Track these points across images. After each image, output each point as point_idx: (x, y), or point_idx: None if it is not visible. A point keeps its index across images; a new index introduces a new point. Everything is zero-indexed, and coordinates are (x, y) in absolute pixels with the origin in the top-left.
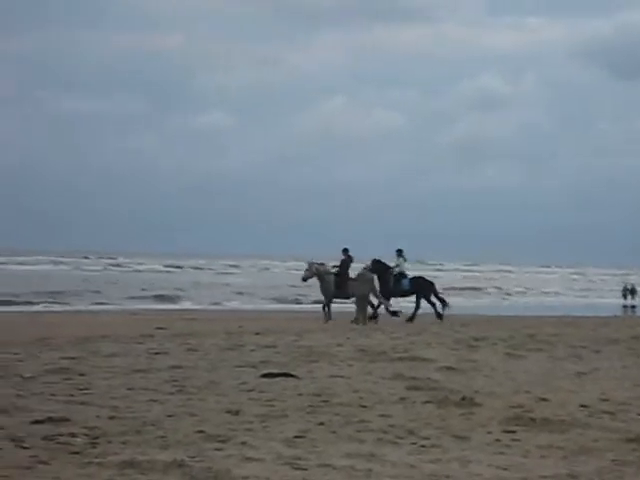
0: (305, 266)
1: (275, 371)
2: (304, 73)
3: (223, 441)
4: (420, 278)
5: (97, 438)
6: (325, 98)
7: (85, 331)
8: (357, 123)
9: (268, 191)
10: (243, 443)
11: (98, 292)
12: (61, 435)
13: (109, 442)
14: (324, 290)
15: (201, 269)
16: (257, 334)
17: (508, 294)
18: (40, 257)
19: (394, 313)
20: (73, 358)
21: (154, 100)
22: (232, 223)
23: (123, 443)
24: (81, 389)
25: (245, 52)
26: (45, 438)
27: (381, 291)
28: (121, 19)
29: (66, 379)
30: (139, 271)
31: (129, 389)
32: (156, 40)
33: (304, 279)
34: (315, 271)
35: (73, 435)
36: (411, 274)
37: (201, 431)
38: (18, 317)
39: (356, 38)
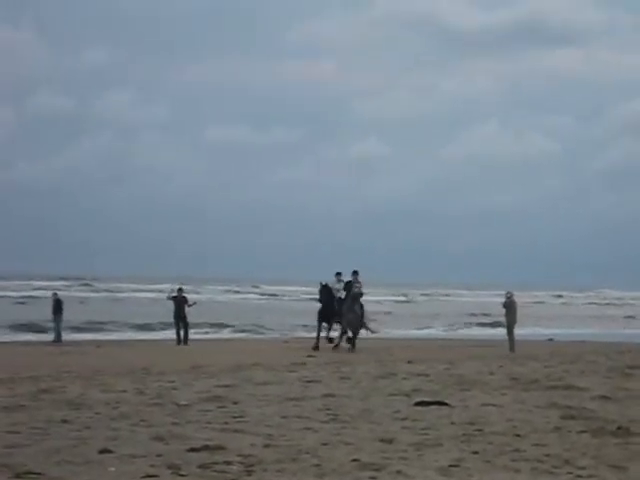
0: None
1: (428, 399)
2: (457, 100)
3: (378, 469)
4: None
5: (252, 466)
6: (479, 124)
7: (237, 359)
8: (510, 149)
9: (425, 219)
10: (398, 472)
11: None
12: (217, 463)
13: (265, 470)
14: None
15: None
16: (409, 362)
17: None
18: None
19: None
20: (227, 386)
21: (309, 129)
22: (394, 250)
23: (279, 471)
24: (235, 417)
25: (398, 80)
26: (201, 466)
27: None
28: (274, 49)
29: (220, 407)
30: (299, 300)
31: (283, 417)
32: (310, 69)
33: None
34: None
35: (229, 463)
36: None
37: (356, 459)
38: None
39: (508, 64)
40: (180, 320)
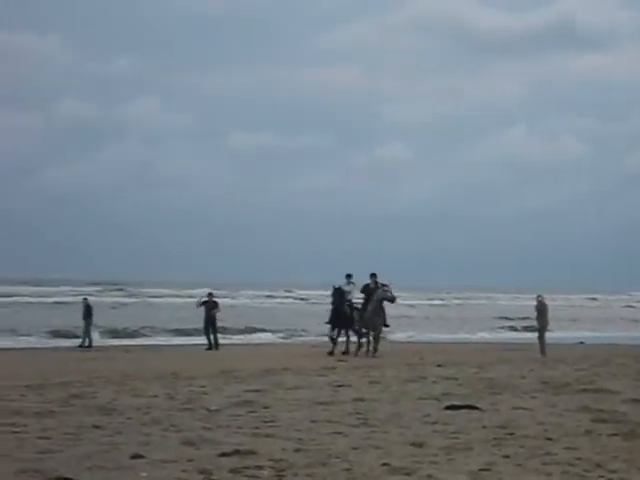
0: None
1: (458, 403)
2: (482, 104)
3: (408, 474)
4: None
5: (283, 470)
6: (504, 128)
7: (267, 364)
8: (537, 152)
9: (453, 222)
10: (429, 476)
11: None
12: (248, 468)
13: (295, 474)
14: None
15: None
16: (439, 366)
17: None
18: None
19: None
20: (257, 390)
21: (335, 135)
22: (422, 254)
23: (309, 475)
24: (266, 421)
25: (424, 84)
26: (232, 471)
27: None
28: (299, 55)
29: (251, 412)
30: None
31: (313, 421)
32: (335, 75)
33: None
34: None
35: (260, 468)
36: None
37: (386, 464)
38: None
39: (533, 67)
40: (210, 325)
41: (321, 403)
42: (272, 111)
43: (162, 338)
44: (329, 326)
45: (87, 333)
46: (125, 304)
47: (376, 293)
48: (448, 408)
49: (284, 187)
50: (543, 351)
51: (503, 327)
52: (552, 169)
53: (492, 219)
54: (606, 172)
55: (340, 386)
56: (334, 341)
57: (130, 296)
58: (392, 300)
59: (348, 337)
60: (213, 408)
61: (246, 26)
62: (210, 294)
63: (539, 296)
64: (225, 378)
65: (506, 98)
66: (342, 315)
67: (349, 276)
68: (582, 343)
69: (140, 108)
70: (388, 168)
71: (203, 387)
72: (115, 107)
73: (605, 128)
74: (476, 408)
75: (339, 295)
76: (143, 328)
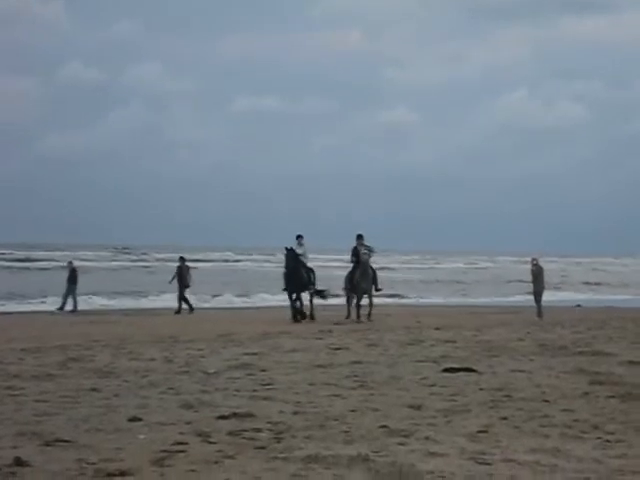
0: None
1: (456, 366)
2: (488, 68)
3: (406, 436)
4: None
5: (281, 433)
6: (509, 92)
7: (264, 327)
8: (541, 116)
9: (454, 187)
10: (426, 438)
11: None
12: (246, 430)
13: (293, 437)
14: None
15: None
16: (436, 329)
17: None
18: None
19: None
20: (255, 354)
21: (341, 99)
22: (422, 220)
23: (307, 438)
24: (264, 384)
25: (427, 49)
26: (231, 433)
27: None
28: (298, 20)
29: (249, 374)
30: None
31: (311, 384)
32: (336, 39)
33: None
34: None
35: (258, 430)
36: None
37: (384, 426)
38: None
39: (538, 31)
40: (184, 290)
41: (319, 366)
42: (277, 76)
43: (161, 301)
44: (286, 292)
45: (72, 297)
46: (129, 268)
47: (361, 256)
48: (446, 371)
49: (288, 151)
50: (540, 314)
51: (504, 292)
52: (554, 132)
53: (495, 183)
54: (608, 135)
55: (338, 349)
56: (295, 307)
57: (137, 260)
58: (367, 263)
59: (303, 301)
60: (211, 371)
61: None
62: (182, 258)
63: (534, 260)
64: (223, 342)
65: (510, 62)
66: (298, 278)
67: (299, 237)
68: (579, 306)
69: (143, 73)
70: (392, 132)
71: (201, 350)
72: (117, 72)
73: (608, 92)
74: (474, 371)
75: (292, 257)
76: (142, 291)
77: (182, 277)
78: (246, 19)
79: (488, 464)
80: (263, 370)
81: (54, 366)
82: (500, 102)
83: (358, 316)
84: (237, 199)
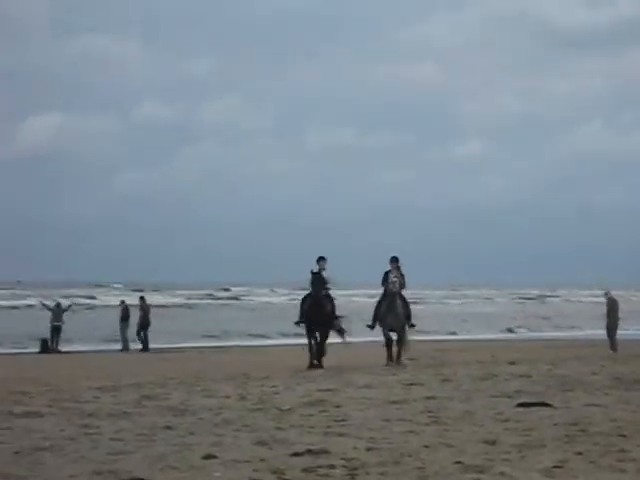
0: None
1: (531, 400)
2: (562, 100)
3: (481, 471)
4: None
5: (356, 469)
6: (583, 124)
7: (336, 362)
8: (616, 147)
9: (533, 218)
10: (501, 473)
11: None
12: (320, 467)
13: (367, 473)
14: None
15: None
16: (511, 363)
17: None
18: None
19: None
20: (328, 390)
21: (414, 132)
22: (494, 254)
23: (381, 474)
24: (338, 420)
25: (501, 81)
26: (305, 470)
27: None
28: (378, 52)
29: (322, 411)
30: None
31: (385, 420)
32: (410, 70)
33: None
34: None
35: (332, 467)
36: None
37: (458, 462)
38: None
39: (611, 63)
40: (144, 328)
41: (393, 402)
42: (345, 106)
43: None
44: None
45: (123, 335)
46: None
47: (389, 284)
48: (520, 405)
49: (363, 184)
50: (614, 347)
51: (573, 326)
52: (631, 163)
53: (571, 214)
54: None
55: (411, 384)
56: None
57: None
58: (397, 293)
59: (321, 339)
60: (285, 408)
61: (324, 24)
62: (141, 297)
63: (607, 293)
64: (296, 378)
65: (585, 94)
66: (320, 309)
67: (322, 259)
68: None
69: (218, 109)
70: (466, 165)
71: (274, 387)
72: (192, 109)
73: None
74: (548, 405)
75: (319, 282)
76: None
77: (144, 315)
78: (321, 50)
79: None
80: (337, 406)
81: (129, 404)
82: (575, 133)
83: (390, 358)
84: (313, 234)
